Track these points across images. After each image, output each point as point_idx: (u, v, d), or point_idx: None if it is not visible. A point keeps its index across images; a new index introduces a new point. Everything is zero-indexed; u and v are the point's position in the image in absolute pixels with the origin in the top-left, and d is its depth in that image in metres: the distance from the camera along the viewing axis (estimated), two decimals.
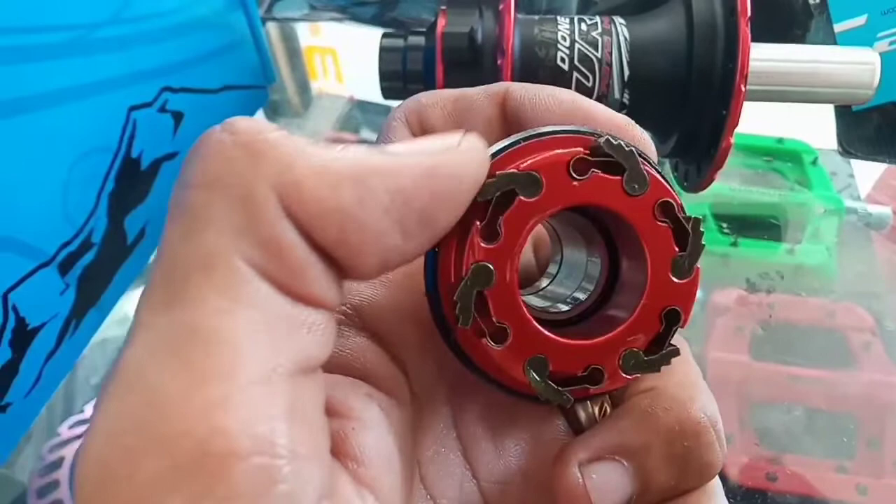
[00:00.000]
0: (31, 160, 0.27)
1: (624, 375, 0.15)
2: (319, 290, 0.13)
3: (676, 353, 0.16)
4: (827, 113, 0.49)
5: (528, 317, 0.15)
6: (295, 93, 0.66)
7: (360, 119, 0.67)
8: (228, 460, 0.11)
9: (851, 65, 0.33)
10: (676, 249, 0.15)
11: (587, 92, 0.32)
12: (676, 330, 0.15)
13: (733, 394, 0.49)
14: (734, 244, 0.56)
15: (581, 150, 0.15)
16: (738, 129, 0.31)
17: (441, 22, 0.32)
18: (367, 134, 0.66)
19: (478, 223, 0.14)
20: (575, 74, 0.32)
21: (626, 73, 0.32)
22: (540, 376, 0.15)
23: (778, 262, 0.55)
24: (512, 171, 0.14)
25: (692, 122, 0.32)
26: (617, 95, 0.32)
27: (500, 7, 0.30)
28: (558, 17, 0.33)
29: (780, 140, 0.65)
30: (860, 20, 0.38)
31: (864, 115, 0.38)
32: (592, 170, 0.14)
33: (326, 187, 0.13)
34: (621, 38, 0.32)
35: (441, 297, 0.15)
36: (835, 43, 0.40)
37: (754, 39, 0.29)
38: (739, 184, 0.61)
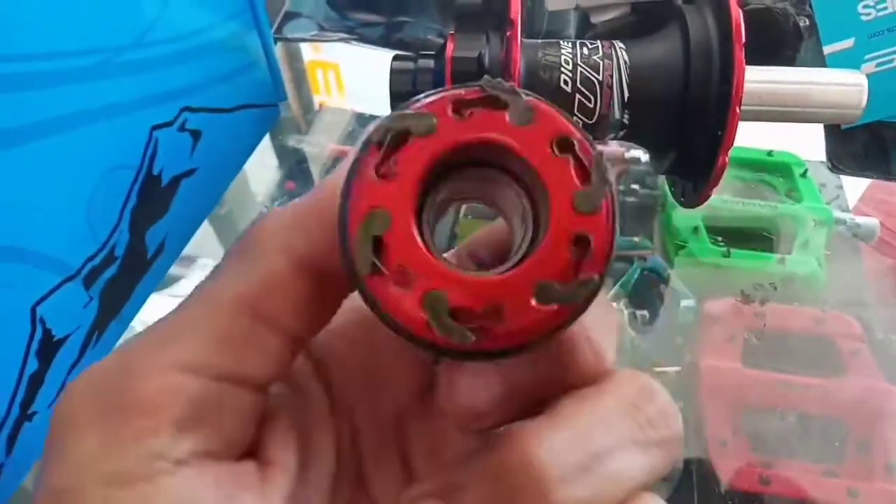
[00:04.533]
0: (59, 178, 0.28)
1: (537, 306, 0.14)
2: (289, 314, 0.16)
3: (592, 283, 0.14)
4: (816, 126, 0.51)
5: (426, 254, 0.14)
6: (299, 110, 0.67)
7: (360, 133, 0.69)
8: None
9: (841, 86, 0.34)
10: (578, 183, 0.15)
11: (589, 112, 0.34)
12: (588, 260, 0.14)
13: (726, 400, 0.50)
14: (726, 255, 0.58)
15: (464, 93, 0.15)
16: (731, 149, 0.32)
17: (450, 46, 0.34)
18: None
19: (372, 163, 0.15)
20: (577, 96, 0.33)
21: (626, 94, 0.33)
22: (437, 311, 0.14)
23: (769, 273, 0.57)
24: (403, 111, 0.15)
25: (689, 142, 0.33)
26: (617, 116, 0.34)
27: (508, 34, 0.32)
28: (561, 42, 0.34)
29: (769, 152, 0.66)
30: (848, 43, 0.40)
31: (852, 133, 0.40)
32: (479, 108, 0.15)
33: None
34: (621, 62, 0.33)
35: (350, 248, 0.15)
36: (824, 64, 0.42)
37: (746, 61, 0.31)
38: (731, 195, 0.62)
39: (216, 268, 0.16)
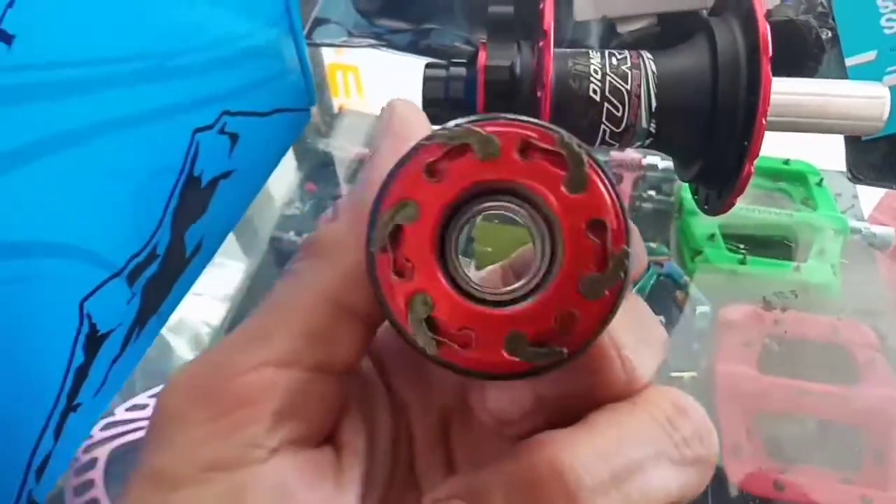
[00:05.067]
0: (109, 179, 0.30)
1: (504, 353, 0.15)
2: (370, 301, 0.17)
3: (559, 356, 0.15)
4: (833, 137, 0.51)
5: (432, 257, 0.15)
6: (319, 112, 0.68)
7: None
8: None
9: (863, 99, 0.35)
10: (593, 268, 0.15)
11: (617, 121, 0.35)
12: (568, 337, 0.15)
13: (741, 405, 0.51)
14: (742, 262, 0.59)
15: (538, 136, 0.16)
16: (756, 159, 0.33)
17: (482, 55, 0.35)
18: None
19: (427, 159, 0.15)
20: (606, 105, 0.34)
21: (654, 104, 0.34)
22: (418, 312, 0.15)
23: (784, 280, 0.57)
24: (477, 128, 0.15)
25: (715, 151, 0.34)
26: (644, 125, 0.35)
27: (541, 44, 0.33)
28: (590, 52, 0.35)
29: (786, 161, 0.67)
30: (870, 55, 0.41)
31: (872, 143, 0.41)
32: (542, 155, 0.15)
33: None
34: (649, 72, 0.34)
35: (374, 222, 0.16)
36: (846, 76, 0.42)
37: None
38: (747, 203, 0.63)
39: (290, 269, 0.18)
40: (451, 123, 0.16)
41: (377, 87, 0.73)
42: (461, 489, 0.16)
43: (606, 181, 0.16)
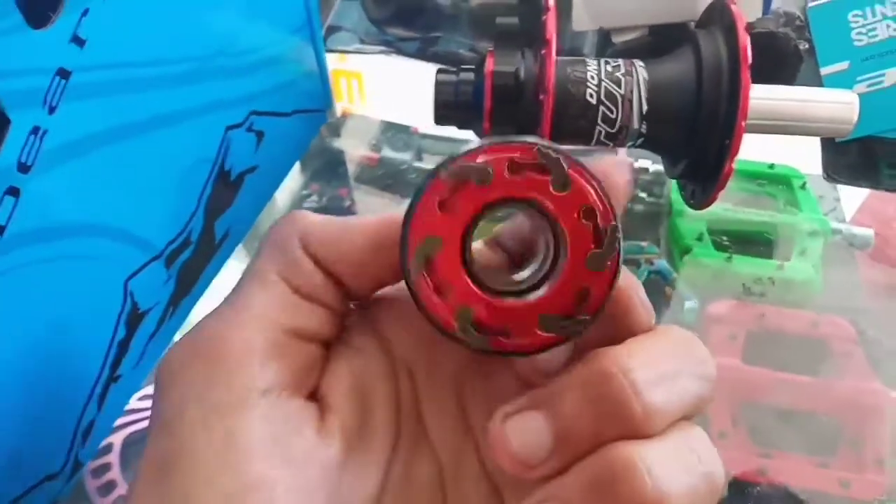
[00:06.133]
0: (154, 169, 0.33)
1: (539, 333, 0.19)
2: (319, 293, 0.20)
3: (587, 322, 0.19)
4: (814, 143, 0.55)
5: (464, 275, 0.19)
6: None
7: (382, 139, 0.73)
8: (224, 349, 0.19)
9: (835, 104, 0.38)
10: (593, 247, 0.19)
11: (611, 122, 0.38)
12: (586, 305, 0.19)
13: (726, 395, 0.53)
14: (728, 259, 0.62)
15: (520, 153, 0.19)
16: (736, 157, 0.36)
17: (489, 61, 0.38)
18: (387, 152, 0.71)
19: (438, 198, 0.18)
20: (601, 108, 0.37)
21: (645, 107, 0.37)
22: (464, 321, 0.19)
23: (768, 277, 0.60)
24: (471, 163, 0.19)
25: (700, 150, 0.37)
26: (636, 126, 0.38)
27: (543, 52, 0.36)
28: (586, 59, 0.39)
29: (771, 166, 0.70)
30: (843, 65, 0.45)
31: (845, 146, 0.44)
32: (528, 170, 0.19)
33: (330, 236, 0.21)
34: (641, 79, 0.38)
35: (408, 260, 0.19)
36: (821, 84, 0.46)
37: (752, 80, 0.35)
38: (733, 205, 0.66)
39: (260, 247, 0.21)
40: (446, 159, 0.19)
41: (379, 93, 0.76)
42: (528, 402, 0.18)
43: (586, 174, 0.19)
